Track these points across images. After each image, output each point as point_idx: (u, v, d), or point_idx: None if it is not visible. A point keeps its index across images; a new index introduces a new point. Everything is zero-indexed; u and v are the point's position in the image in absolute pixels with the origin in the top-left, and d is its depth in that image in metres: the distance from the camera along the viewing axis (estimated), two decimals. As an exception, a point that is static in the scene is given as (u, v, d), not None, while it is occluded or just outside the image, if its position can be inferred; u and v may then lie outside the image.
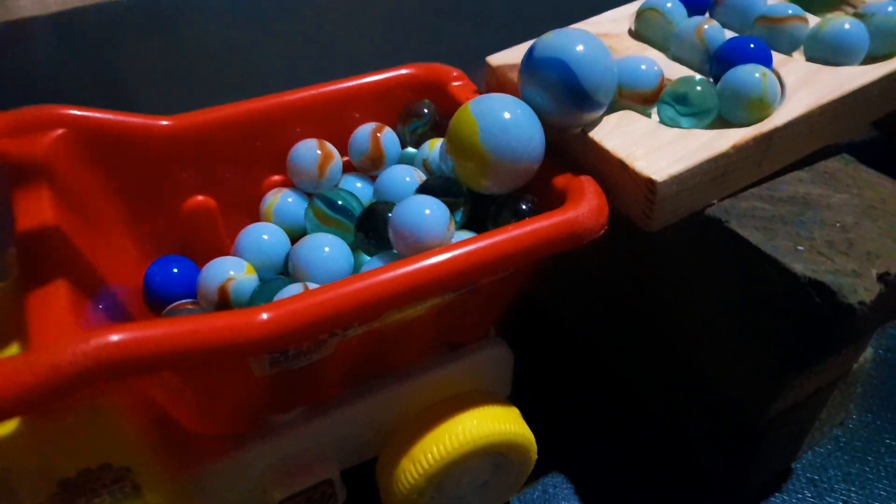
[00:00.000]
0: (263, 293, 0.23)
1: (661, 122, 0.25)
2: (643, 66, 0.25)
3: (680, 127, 0.24)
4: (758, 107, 0.24)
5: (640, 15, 0.30)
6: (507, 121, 0.22)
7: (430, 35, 0.71)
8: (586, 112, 0.23)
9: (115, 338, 0.15)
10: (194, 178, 0.27)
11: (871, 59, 0.27)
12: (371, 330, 0.22)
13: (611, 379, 0.34)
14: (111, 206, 0.25)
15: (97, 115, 0.24)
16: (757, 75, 0.24)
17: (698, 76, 0.25)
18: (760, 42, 0.25)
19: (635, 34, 0.30)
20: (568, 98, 0.23)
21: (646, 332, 0.30)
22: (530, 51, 0.24)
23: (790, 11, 0.27)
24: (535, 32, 0.30)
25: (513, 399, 0.27)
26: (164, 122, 0.26)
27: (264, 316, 0.17)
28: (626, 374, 0.33)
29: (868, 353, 0.30)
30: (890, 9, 0.26)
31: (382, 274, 0.20)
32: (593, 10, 0.33)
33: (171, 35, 0.71)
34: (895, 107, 0.28)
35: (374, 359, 0.24)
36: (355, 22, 0.74)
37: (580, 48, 0.22)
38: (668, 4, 0.29)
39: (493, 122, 0.22)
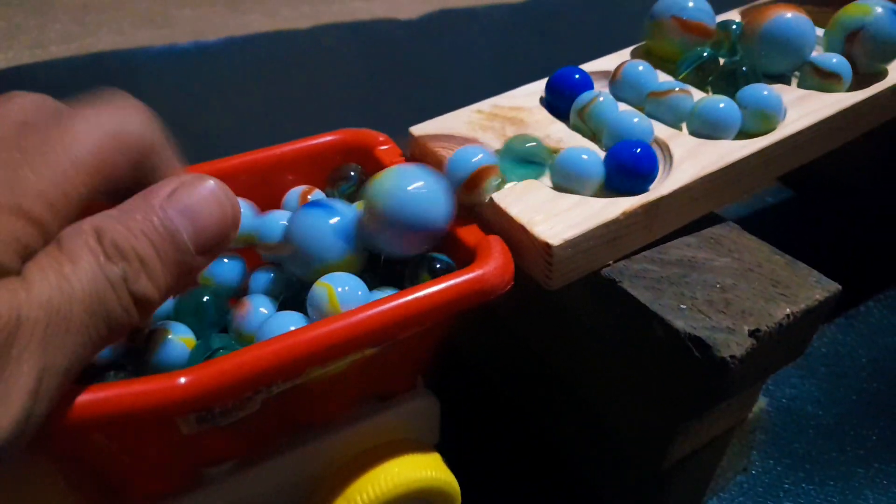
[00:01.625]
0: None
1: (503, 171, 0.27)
2: (474, 158, 0.27)
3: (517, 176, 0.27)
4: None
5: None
6: (409, 193, 0.24)
7: (363, 102, 0.74)
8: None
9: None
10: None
11: (745, 134, 0.30)
12: (296, 386, 0.23)
13: (528, 426, 0.36)
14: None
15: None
16: None
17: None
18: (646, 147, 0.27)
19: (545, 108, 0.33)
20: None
21: (556, 381, 0.33)
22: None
23: (677, 88, 0.31)
24: (461, 102, 0.33)
25: (441, 446, 0.28)
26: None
27: (182, 380, 0.19)
28: (541, 422, 0.35)
29: (762, 402, 0.33)
30: (765, 92, 0.30)
31: (303, 334, 0.21)
32: (517, 81, 0.35)
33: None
34: (773, 178, 0.32)
35: (302, 412, 0.25)
36: (294, 85, 0.76)
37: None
38: (576, 76, 0.32)
39: (397, 195, 0.24)
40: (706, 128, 0.29)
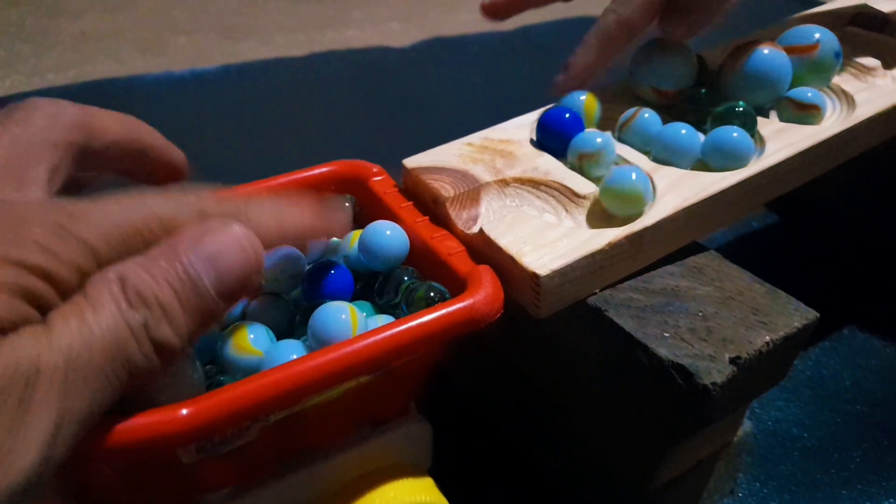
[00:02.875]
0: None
1: None
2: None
3: None
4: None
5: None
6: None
7: (357, 129, 0.75)
8: None
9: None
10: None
11: (704, 166, 0.31)
12: (292, 413, 0.24)
13: (520, 449, 0.37)
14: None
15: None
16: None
17: None
18: None
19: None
20: None
21: (547, 405, 0.33)
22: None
23: (646, 115, 0.33)
24: (454, 129, 0.34)
25: (434, 471, 0.29)
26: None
27: (184, 411, 0.19)
28: (532, 445, 0.36)
29: (748, 425, 0.33)
30: (735, 135, 0.31)
31: (301, 364, 0.22)
32: (508, 108, 0.37)
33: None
34: (755, 207, 0.33)
35: (298, 439, 0.26)
36: (289, 112, 0.78)
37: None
38: (567, 115, 0.33)
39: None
40: (667, 152, 0.31)
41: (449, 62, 0.90)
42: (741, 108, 0.32)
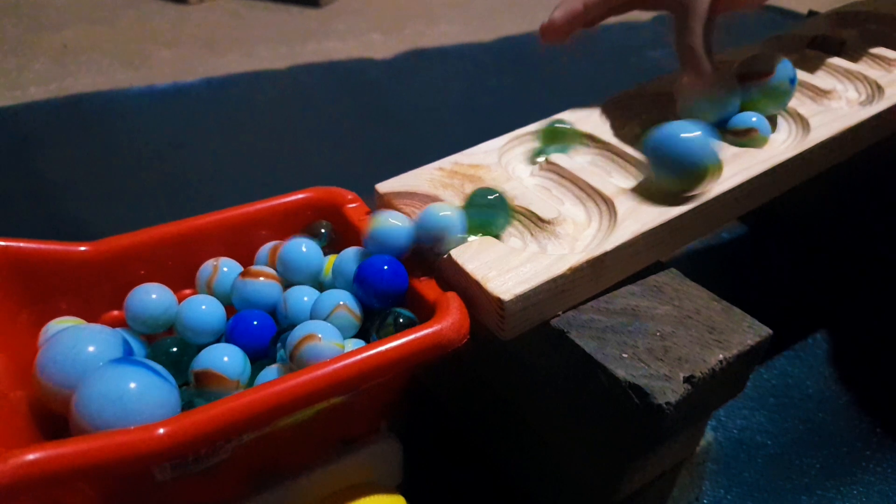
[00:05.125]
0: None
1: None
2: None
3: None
4: None
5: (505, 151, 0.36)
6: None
7: (338, 141, 0.76)
8: None
9: (31, 457, 0.18)
10: (110, 295, 0.30)
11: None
12: (265, 433, 0.25)
13: (490, 464, 0.38)
14: (30, 324, 0.28)
15: (20, 244, 0.27)
16: None
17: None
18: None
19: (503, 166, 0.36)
20: None
21: (517, 421, 0.35)
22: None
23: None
24: (433, 140, 0.35)
25: (406, 487, 0.30)
26: (82, 248, 0.29)
27: (161, 431, 0.21)
28: (502, 460, 0.37)
29: (709, 436, 0.35)
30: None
31: (273, 386, 0.23)
32: (486, 118, 0.38)
33: (96, 136, 0.74)
34: (714, 229, 0.34)
35: (271, 458, 0.27)
36: (272, 124, 0.79)
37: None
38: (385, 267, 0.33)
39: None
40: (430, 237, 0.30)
41: (429, 73, 0.92)
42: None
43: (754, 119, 0.35)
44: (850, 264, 0.53)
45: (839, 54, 0.44)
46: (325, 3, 1.18)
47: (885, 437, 0.41)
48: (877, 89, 0.40)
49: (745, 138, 0.35)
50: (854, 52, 0.44)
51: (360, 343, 0.28)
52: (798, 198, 0.43)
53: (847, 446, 0.40)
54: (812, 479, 0.39)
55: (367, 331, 0.29)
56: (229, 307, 0.30)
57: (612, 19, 0.39)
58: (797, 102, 0.39)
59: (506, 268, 0.28)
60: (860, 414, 0.42)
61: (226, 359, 0.26)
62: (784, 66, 0.36)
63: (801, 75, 0.41)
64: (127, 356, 0.24)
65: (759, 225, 0.58)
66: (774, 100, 0.36)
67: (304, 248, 0.31)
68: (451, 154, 0.36)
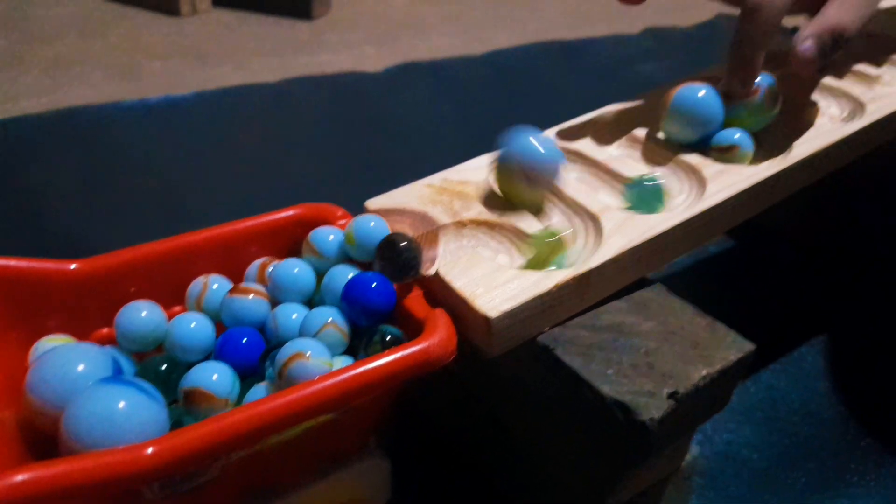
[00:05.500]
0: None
1: None
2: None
3: None
4: None
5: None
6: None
7: (330, 155, 0.76)
8: None
9: (19, 478, 0.18)
10: (101, 313, 0.30)
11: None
12: (253, 452, 0.25)
13: (480, 479, 0.38)
14: (19, 342, 0.28)
15: (9, 262, 0.28)
16: None
17: None
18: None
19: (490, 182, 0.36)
20: None
21: (507, 435, 0.35)
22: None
23: None
24: (424, 154, 0.36)
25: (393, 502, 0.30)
26: (72, 266, 0.29)
27: (150, 450, 0.21)
28: (492, 474, 0.38)
29: (696, 450, 0.35)
30: None
31: (261, 405, 0.23)
32: (478, 132, 0.38)
33: (88, 148, 0.74)
34: (700, 244, 0.35)
35: (259, 477, 0.27)
36: (263, 138, 0.79)
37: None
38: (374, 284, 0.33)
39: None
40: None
41: (421, 86, 0.92)
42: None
43: (737, 136, 0.36)
44: (836, 279, 0.54)
45: (821, 72, 0.44)
46: (317, 15, 1.19)
47: (870, 450, 0.41)
48: (859, 106, 0.41)
49: (728, 154, 0.36)
50: (837, 69, 0.45)
51: (348, 360, 0.28)
52: (785, 213, 0.44)
53: (832, 460, 0.41)
54: (798, 493, 0.39)
55: (356, 348, 0.29)
56: (219, 324, 0.30)
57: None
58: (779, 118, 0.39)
59: (493, 284, 0.28)
60: (845, 428, 0.43)
61: (215, 377, 0.26)
62: (770, 84, 0.37)
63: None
64: (116, 375, 0.25)
65: (747, 239, 0.59)
66: (758, 116, 0.37)
67: (296, 269, 0.31)
68: (442, 167, 0.36)
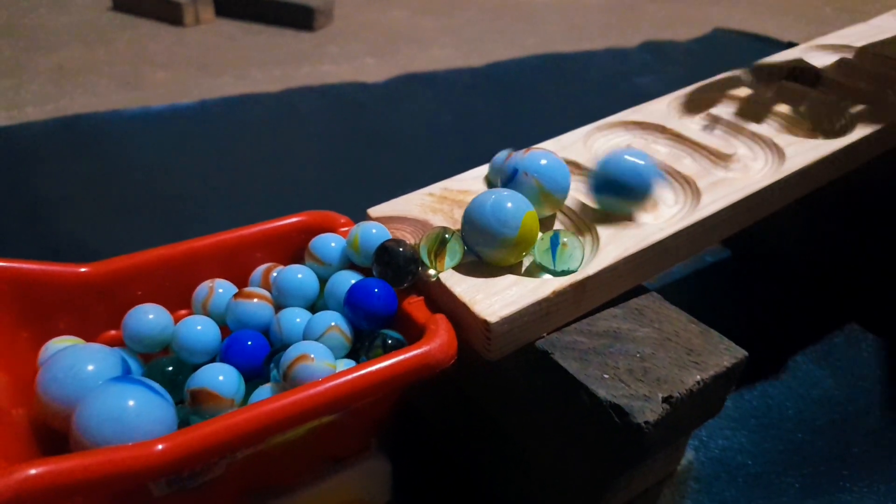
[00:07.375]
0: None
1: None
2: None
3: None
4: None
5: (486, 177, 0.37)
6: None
7: (331, 163, 0.77)
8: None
9: (33, 472, 0.19)
10: (108, 315, 0.31)
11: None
12: (257, 451, 0.26)
13: (477, 481, 0.39)
14: (30, 343, 0.29)
15: (21, 265, 0.28)
16: None
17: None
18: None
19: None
20: None
21: (505, 438, 0.35)
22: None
23: None
24: (423, 162, 0.36)
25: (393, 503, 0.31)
26: (82, 269, 0.30)
27: (160, 447, 0.21)
28: (489, 477, 0.38)
29: (691, 456, 0.36)
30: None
31: (267, 405, 0.24)
32: (475, 141, 0.39)
33: (92, 156, 0.75)
34: (695, 254, 0.35)
35: (263, 475, 0.28)
36: (265, 146, 0.80)
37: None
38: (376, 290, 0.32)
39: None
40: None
41: (421, 97, 0.93)
42: None
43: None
44: (830, 287, 0.55)
45: (815, 86, 0.45)
46: (318, 26, 1.20)
47: (862, 457, 0.42)
48: (849, 121, 0.42)
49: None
50: (829, 85, 0.46)
51: (350, 363, 0.29)
52: (780, 222, 0.44)
53: (825, 466, 0.41)
54: (792, 498, 0.39)
55: (358, 351, 0.30)
56: (224, 327, 0.31)
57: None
58: (773, 132, 0.40)
59: (492, 290, 0.29)
60: (838, 435, 0.43)
61: (221, 378, 0.27)
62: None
63: (779, 106, 0.42)
64: (126, 375, 0.25)
65: (742, 248, 0.59)
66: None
67: (300, 275, 0.32)
68: (441, 177, 0.37)
